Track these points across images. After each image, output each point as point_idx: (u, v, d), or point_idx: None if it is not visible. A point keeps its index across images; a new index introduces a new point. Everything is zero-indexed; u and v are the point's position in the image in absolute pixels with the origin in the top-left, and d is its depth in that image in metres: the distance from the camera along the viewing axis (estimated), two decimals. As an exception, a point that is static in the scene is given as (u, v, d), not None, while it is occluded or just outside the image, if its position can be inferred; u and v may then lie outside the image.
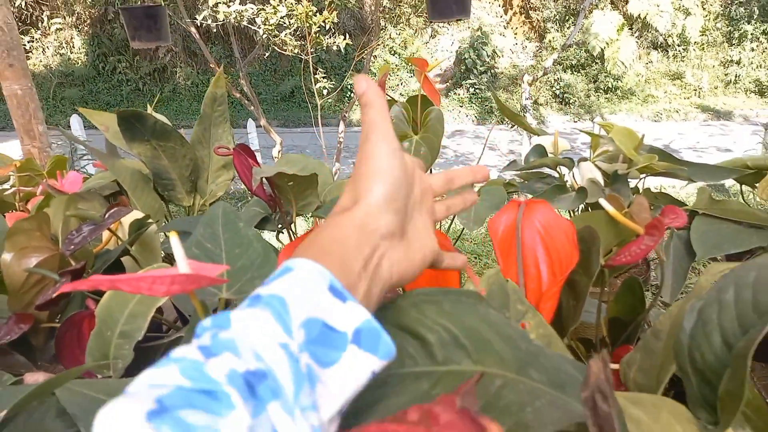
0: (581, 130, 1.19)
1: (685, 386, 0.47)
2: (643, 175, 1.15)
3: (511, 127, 8.82)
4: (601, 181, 1.11)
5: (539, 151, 1.18)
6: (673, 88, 11.63)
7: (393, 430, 0.31)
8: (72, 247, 0.91)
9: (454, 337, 0.38)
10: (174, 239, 0.53)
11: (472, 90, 11.57)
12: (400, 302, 0.41)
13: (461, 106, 11.30)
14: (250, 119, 7.02)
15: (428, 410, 0.28)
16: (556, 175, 1.30)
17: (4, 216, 1.29)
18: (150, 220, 1.05)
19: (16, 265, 0.89)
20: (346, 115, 5.50)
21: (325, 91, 5.26)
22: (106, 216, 0.93)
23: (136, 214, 1.03)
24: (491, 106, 11.11)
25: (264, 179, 1.14)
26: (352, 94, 9.43)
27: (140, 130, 1.17)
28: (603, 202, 0.69)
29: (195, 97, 11.82)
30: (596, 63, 11.54)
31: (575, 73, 11.75)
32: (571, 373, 0.40)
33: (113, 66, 11.84)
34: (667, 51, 11.97)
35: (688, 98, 11.36)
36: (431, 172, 1.40)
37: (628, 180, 1.09)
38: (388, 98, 1.34)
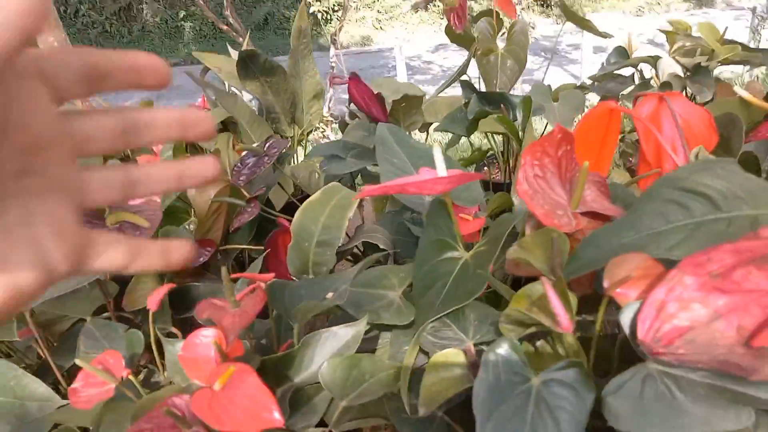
0: (665, 26, 1.29)
1: None
2: (718, 65, 1.26)
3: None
4: (681, 75, 1.23)
5: (620, 52, 1.29)
6: (654, -20, 11.45)
7: (748, 247, 0.45)
8: (243, 178, 1.02)
9: (732, 191, 0.52)
10: (437, 150, 0.65)
11: (451, 0, 11.27)
12: (676, 173, 0.54)
13: (442, 19, 11.05)
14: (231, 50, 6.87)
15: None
16: (626, 74, 1.42)
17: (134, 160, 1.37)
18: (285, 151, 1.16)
19: (199, 197, 1.00)
20: (336, 37, 5.39)
21: (320, 15, 5.11)
22: (267, 147, 1.04)
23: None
24: (472, 17, 10.88)
25: (367, 103, 1.24)
26: (338, 15, 9.20)
27: (252, 68, 1.24)
28: (738, 89, 0.82)
29: (166, 34, 11.37)
30: (575, -40, 11.24)
31: (554, -28, 11.46)
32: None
33: (75, 8, 11.26)
34: (646, -59, 11.67)
35: (669, -11, 11.23)
36: (512, 88, 1.50)
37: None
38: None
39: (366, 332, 0.69)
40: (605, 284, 0.51)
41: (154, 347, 0.64)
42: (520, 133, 0.98)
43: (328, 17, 10.00)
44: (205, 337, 0.55)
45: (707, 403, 0.45)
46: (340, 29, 5.53)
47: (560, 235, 0.55)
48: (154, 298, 0.63)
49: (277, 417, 0.48)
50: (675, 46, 1.28)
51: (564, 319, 0.48)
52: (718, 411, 0.44)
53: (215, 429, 0.48)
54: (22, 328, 0.88)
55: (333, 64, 5.76)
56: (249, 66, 1.24)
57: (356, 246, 1.14)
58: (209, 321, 0.59)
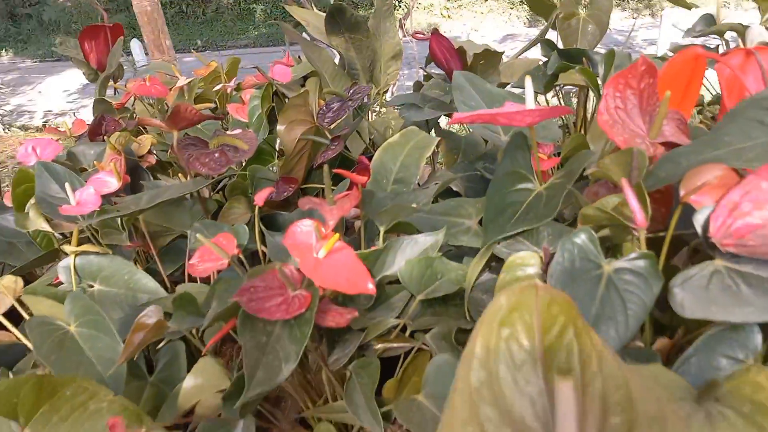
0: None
1: None
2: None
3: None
4: (769, 44, 1.21)
5: (707, 19, 1.28)
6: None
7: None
8: (327, 120, 1.09)
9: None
10: (528, 82, 0.69)
11: (522, -10, 11.06)
12: (761, 94, 0.56)
13: (512, 9, 10.88)
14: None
15: None
16: (711, 45, 1.40)
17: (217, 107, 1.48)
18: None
19: (287, 135, 1.09)
20: (404, 23, 5.43)
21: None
22: (351, 93, 1.11)
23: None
24: (544, 6, 10.64)
25: (447, 57, 1.28)
26: (406, 2, 9.30)
27: (339, 22, 1.31)
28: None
29: (238, 16, 11.73)
30: (658, -50, 10.79)
31: (634, -38, 11.04)
32: None
33: (156, -12, 11.74)
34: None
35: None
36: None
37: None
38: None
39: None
40: (681, 192, 0.54)
41: (257, 240, 0.72)
42: (602, 86, 1.00)
43: (396, 3, 10.03)
44: (305, 226, 0.62)
45: (773, 296, 0.48)
46: (407, 15, 5.57)
47: (640, 152, 0.59)
48: (262, 194, 0.71)
49: (370, 287, 0.54)
50: (767, 15, 1.26)
51: (640, 215, 0.52)
52: (784, 303, 0.47)
53: (316, 291, 0.55)
54: (132, 240, 0.98)
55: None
56: (336, 20, 1.31)
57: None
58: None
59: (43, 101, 7.30)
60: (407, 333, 0.71)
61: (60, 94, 7.60)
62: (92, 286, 0.86)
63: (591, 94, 1.06)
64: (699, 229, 0.52)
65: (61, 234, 1.12)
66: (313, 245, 0.58)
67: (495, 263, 0.76)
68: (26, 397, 0.54)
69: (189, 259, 0.69)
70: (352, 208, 0.64)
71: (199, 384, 0.68)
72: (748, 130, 0.55)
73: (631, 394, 0.32)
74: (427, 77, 1.55)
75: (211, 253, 0.66)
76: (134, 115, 1.59)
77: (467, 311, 0.69)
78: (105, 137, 1.30)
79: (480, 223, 0.82)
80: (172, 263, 0.97)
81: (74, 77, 7.98)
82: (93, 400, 0.58)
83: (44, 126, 5.66)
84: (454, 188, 1.03)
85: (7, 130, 5.24)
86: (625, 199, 0.54)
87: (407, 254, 0.69)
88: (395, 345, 0.67)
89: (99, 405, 0.58)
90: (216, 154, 0.90)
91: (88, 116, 1.52)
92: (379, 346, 0.67)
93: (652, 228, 0.64)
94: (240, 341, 0.52)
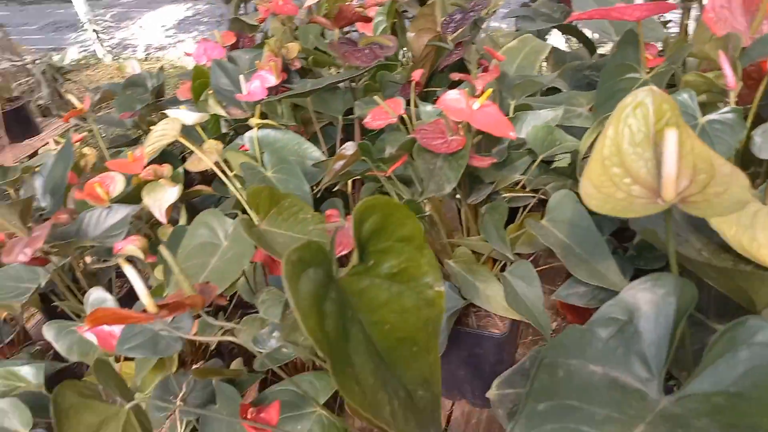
0: None
1: None
2: None
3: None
4: None
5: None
6: None
7: None
8: (449, 29, 1.26)
9: None
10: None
11: None
12: None
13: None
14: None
15: None
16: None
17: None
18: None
19: (416, 41, 1.26)
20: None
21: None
22: (473, 4, 1.26)
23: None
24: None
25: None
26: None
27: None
28: None
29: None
30: None
31: None
32: None
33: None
34: None
35: None
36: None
37: None
38: None
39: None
40: (768, 65, 0.68)
41: (413, 105, 0.92)
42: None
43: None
44: (454, 94, 0.80)
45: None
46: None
47: (736, 35, 0.72)
48: (417, 72, 0.90)
49: (512, 134, 0.73)
50: None
51: (731, 78, 0.66)
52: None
53: (469, 136, 0.74)
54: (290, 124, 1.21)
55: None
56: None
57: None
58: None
59: (143, 36, 7.78)
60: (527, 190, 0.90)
61: (159, 29, 8.06)
62: (269, 154, 1.09)
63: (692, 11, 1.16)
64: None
65: (225, 120, 1.37)
66: (465, 104, 0.76)
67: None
68: (263, 200, 0.78)
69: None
70: (495, 76, 0.81)
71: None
72: (833, 14, 0.67)
73: (713, 163, 0.49)
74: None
75: (382, 112, 0.86)
76: (267, 32, 1.81)
77: (578, 176, 0.86)
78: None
79: (590, 110, 0.98)
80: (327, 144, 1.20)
81: (170, 13, 8.42)
82: (302, 211, 0.81)
83: (146, 58, 6.05)
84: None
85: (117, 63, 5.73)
86: (721, 72, 0.69)
87: (532, 124, 0.86)
88: (518, 195, 0.86)
89: (306, 215, 0.81)
90: (366, 51, 1.09)
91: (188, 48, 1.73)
92: (506, 195, 0.86)
93: (743, 103, 0.77)
94: (416, 165, 0.73)
